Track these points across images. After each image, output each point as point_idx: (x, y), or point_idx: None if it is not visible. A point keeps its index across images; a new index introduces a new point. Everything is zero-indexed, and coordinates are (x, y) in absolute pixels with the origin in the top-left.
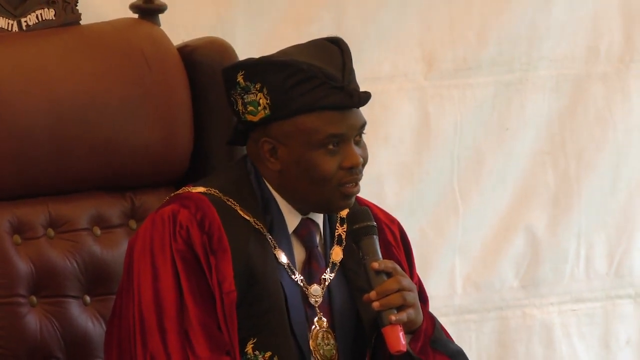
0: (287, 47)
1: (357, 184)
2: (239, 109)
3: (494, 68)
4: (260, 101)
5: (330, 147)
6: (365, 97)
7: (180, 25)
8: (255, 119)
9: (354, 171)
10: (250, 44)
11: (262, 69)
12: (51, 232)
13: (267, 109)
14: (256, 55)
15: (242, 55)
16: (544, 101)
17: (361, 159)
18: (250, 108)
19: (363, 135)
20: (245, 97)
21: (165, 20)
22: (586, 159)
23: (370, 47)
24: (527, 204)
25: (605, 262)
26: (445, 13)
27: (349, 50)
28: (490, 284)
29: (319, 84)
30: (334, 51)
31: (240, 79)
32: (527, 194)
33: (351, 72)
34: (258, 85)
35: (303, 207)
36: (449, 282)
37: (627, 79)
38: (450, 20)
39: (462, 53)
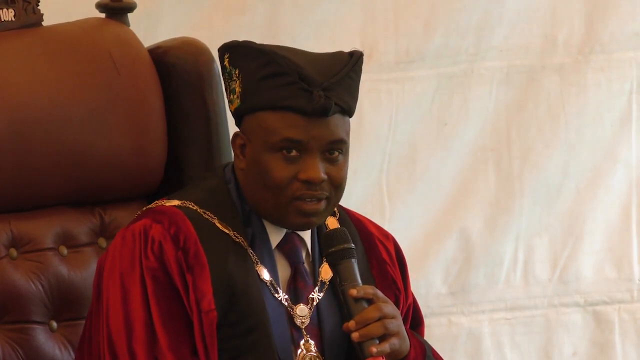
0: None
1: (317, 201)
2: (227, 96)
3: (438, 60)
4: (236, 89)
5: (289, 153)
6: (325, 105)
7: (88, 12)
8: (232, 108)
9: (311, 187)
10: (175, 33)
11: (241, 54)
12: (14, 252)
13: (239, 98)
14: None
15: None
16: (491, 94)
17: (323, 176)
18: (231, 96)
19: (340, 155)
20: (230, 83)
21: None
22: (532, 158)
23: (306, 38)
24: (463, 205)
25: (548, 266)
26: (390, 1)
27: (357, 62)
28: (415, 290)
29: (289, 82)
30: (340, 59)
31: (226, 62)
32: (465, 194)
33: (340, 80)
34: (237, 71)
35: (268, 218)
36: None
37: (585, 72)
38: (395, 9)
39: (405, 44)
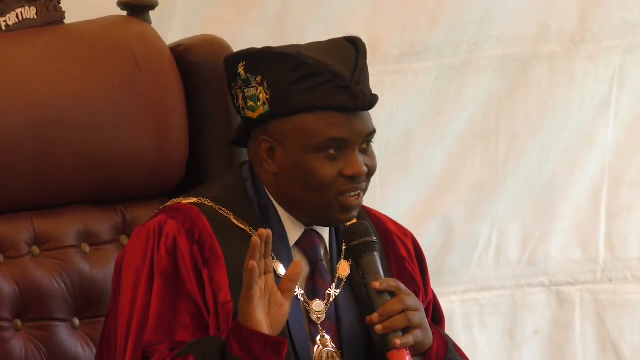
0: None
1: (358, 196)
2: (239, 104)
3: (440, 52)
4: (260, 96)
5: (331, 151)
6: (371, 100)
7: (109, 9)
8: (254, 115)
9: (355, 181)
10: (186, 28)
11: (264, 60)
12: (36, 249)
13: (267, 104)
14: None
15: (172, 40)
16: (485, 83)
17: (365, 168)
18: (250, 103)
19: (372, 144)
20: (246, 90)
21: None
22: (518, 144)
23: (315, 31)
24: (449, 190)
25: (518, 249)
26: None
27: (365, 51)
28: None
29: (323, 81)
30: (349, 50)
31: (241, 70)
32: (452, 180)
33: (362, 73)
34: (259, 78)
35: (302, 217)
36: None
37: (574, 60)
38: (402, 2)
39: (410, 37)
